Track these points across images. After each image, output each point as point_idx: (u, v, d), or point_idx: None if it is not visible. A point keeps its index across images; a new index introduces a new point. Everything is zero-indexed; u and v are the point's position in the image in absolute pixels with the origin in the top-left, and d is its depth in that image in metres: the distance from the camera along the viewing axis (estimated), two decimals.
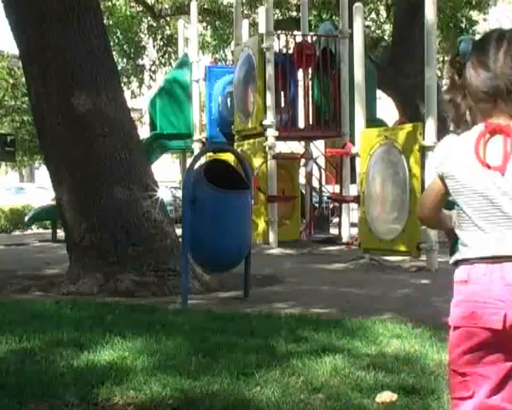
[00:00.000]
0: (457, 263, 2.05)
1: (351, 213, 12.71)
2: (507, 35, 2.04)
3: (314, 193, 14.46)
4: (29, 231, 18.99)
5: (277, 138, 12.52)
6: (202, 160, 8.71)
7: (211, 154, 8.49)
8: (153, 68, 24.54)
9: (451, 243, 2.18)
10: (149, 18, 23.31)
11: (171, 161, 34.92)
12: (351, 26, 11.25)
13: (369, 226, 9.77)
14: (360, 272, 8.75)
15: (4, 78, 25.57)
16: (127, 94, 20.15)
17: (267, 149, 12.27)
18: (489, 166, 1.99)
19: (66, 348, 4.16)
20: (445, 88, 2.25)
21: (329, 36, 13.20)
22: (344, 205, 12.51)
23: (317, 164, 13.41)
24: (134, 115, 17.37)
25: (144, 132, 18.80)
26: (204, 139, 15.21)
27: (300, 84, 13.50)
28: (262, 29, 13.27)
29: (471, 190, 2.03)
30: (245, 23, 15.37)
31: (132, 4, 23.03)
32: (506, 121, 1.99)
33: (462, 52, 2.11)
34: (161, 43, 23.94)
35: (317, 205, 14.35)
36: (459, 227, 2.09)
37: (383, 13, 21.40)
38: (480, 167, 2.00)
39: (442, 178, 2.10)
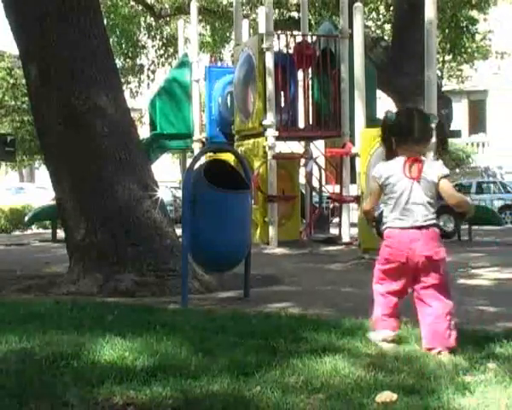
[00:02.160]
0: (386, 228, 4.13)
1: (351, 213, 12.70)
2: (415, 112, 4.17)
3: (314, 193, 14.46)
4: (29, 231, 19.01)
5: (277, 138, 12.53)
6: (202, 160, 8.71)
7: (211, 154, 8.49)
8: (152, 68, 24.53)
9: (376, 224, 4.42)
10: (149, 17, 23.30)
11: (171, 161, 34.98)
12: (351, 26, 11.25)
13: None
14: (360, 272, 8.74)
15: (4, 78, 25.58)
16: (126, 93, 20.13)
17: (267, 149, 12.27)
18: (411, 177, 3.99)
19: (67, 348, 4.16)
20: (380, 140, 4.28)
21: (329, 36, 13.21)
22: (344, 205, 12.51)
23: (317, 164, 13.41)
24: (134, 115, 17.37)
25: (144, 132, 18.80)
26: (204, 139, 15.22)
27: (300, 84, 13.51)
28: (262, 29, 13.28)
29: (399, 189, 4.02)
30: (245, 23, 15.38)
31: (132, 4, 23.02)
32: (417, 155, 4.02)
33: (390, 119, 4.09)
34: (160, 43, 23.93)
35: (317, 205, 14.35)
36: (387, 210, 4.10)
37: (383, 12, 21.40)
38: (405, 178, 4.00)
39: (380, 185, 4.09)
